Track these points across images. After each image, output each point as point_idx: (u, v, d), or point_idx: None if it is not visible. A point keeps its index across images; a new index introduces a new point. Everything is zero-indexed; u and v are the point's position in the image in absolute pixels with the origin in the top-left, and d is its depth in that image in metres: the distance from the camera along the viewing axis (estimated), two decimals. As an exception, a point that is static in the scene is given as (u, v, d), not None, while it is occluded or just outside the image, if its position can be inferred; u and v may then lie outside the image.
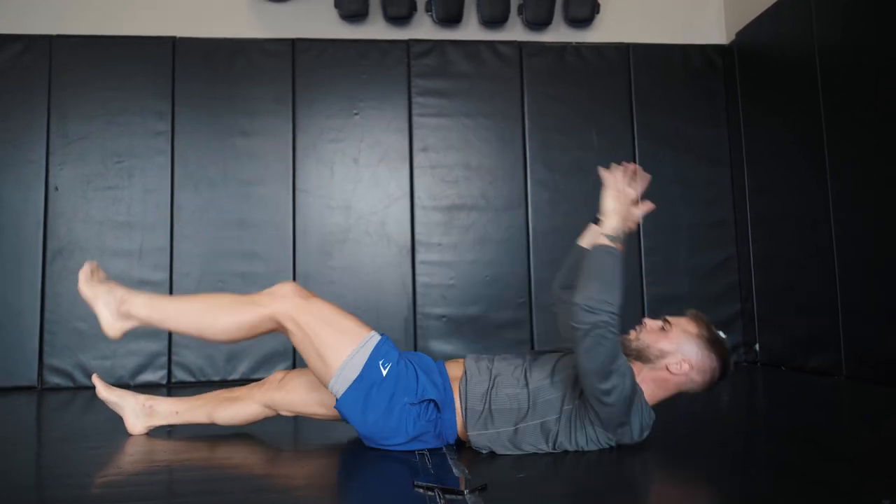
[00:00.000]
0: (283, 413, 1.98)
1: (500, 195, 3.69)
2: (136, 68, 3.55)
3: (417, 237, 3.62)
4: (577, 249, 1.99)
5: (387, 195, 3.64)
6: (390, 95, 3.68)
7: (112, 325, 1.82)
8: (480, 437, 1.70)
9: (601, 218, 1.76)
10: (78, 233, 3.46)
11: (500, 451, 1.70)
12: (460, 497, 1.36)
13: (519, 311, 3.64)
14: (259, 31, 3.72)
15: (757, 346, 3.66)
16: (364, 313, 3.49)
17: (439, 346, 3.56)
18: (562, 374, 1.72)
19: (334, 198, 3.62)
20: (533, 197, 3.70)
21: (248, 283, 3.50)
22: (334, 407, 1.74)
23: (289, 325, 1.71)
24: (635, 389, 1.63)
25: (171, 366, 3.46)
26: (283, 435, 2.10)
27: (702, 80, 3.87)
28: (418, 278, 3.61)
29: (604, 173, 1.80)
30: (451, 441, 1.76)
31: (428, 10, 3.74)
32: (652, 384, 1.71)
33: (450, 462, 1.64)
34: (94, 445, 1.98)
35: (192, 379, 3.46)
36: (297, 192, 3.60)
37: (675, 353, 1.69)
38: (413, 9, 3.71)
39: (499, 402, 1.70)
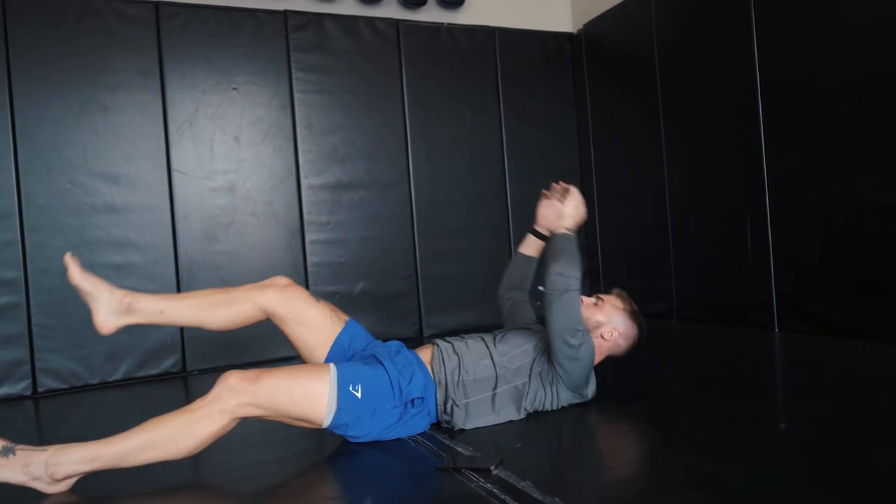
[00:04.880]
0: (274, 321, 1.87)
1: (385, 173, 3.69)
2: (-47, 27, 2.87)
3: (306, 217, 3.50)
4: (519, 257, 2.26)
5: (273, 175, 3.44)
6: (270, 70, 3.43)
7: (53, 490, 1.53)
8: (463, 409, 1.80)
9: (545, 224, 2.14)
10: None
11: (477, 421, 1.82)
12: (485, 473, 1.45)
13: (407, 283, 3.73)
14: (112, -10, 3.20)
15: (603, 299, 4.20)
16: (256, 297, 3.35)
17: (333, 323, 3.53)
18: (527, 344, 1.90)
19: (216, 179, 3.33)
20: (415, 173, 3.76)
21: (123, 274, 3.12)
22: (326, 429, 1.72)
23: (255, 414, 1.60)
24: (593, 350, 1.87)
25: (36, 374, 2.99)
26: (260, 450, 1.93)
27: (554, 65, 4.18)
28: (309, 258, 3.50)
29: (570, 188, 2.02)
30: (435, 419, 1.85)
31: (303, -20, 3.53)
32: None
33: (449, 443, 1.71)
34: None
35: (63, 386, 3.02)
36: (172, 173, 3.24)
37: (608, 324, 1.95)
38: (288, -22, 3.46)
39: (474, 373, 1.83)
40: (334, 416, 1.67)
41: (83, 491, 1.56)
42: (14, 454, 1.51)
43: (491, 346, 1.90)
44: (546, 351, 1.88)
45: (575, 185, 4.28)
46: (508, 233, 4.01)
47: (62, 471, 1.51)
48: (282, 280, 1.88)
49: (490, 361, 1.85)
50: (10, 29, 2.96)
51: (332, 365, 1.71)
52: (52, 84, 3.02)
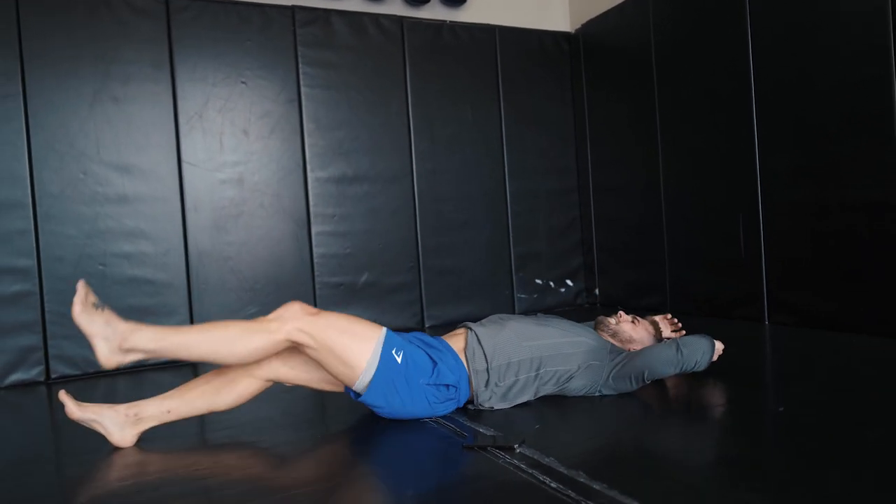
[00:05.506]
0: (285, 384, 1.96)
1: (388, 167, 3.78)
2: (-32, 17, 2.90)
3: (313, 209, 3.58)
4: None
5: (280, 167, 3.51)
6: (277, 64, 3.49)
7: (109, 358, 1.69)
8: (501, 390, 1.91)
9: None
10: None
11: (515, 400, 1.94)
12: (509, 451, 1.56)
13: (409, 275, 3.83)
14: (123, -17, 3.25)
15: (597, 291, 4.34)
16: (264, 286, 3.45)
17: (337, 312, 3.62)
18: (584, 337, 2.02)
19: (225, 171, 3.39)
20: (417, 168, 3.86)
21: (134, 263, 3.19)
22: (359, 400, 1.84)
23: (305, 342, 1.74)
24: None
25: (49, 360, 3.05)
26: (288, 431, 2.02)
27: (552, 63, 4.28)
28: (315, 249, 3.58)
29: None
30: (462, 404, 1.95)
31: (311, -23, 3.59)
32: None
33: (470, 424, 1.82)
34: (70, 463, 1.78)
35: (76, 372, 3.08)
36: (182, 165, 3.30)
37: (639, 342, 2.19)
38: (296, -26, 3.52)
39: (512, 355, 1.92)
40: (373, 375, 1.76)
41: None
42: (103, 310, 1.71)
43: (535, 327, 2.00)
44: (605, 354, 2.02)
45: (571, 181, 4.42)
46: (507, 227, 4.12)
47: (130, 341, 1.68)
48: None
49: (532, 344, 1.94)
50: (23, 19, 2.99)
51: (383, 328, 1.83)
52: (64, 74, 3.07)
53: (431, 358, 1.86)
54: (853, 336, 2.72)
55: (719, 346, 2.16)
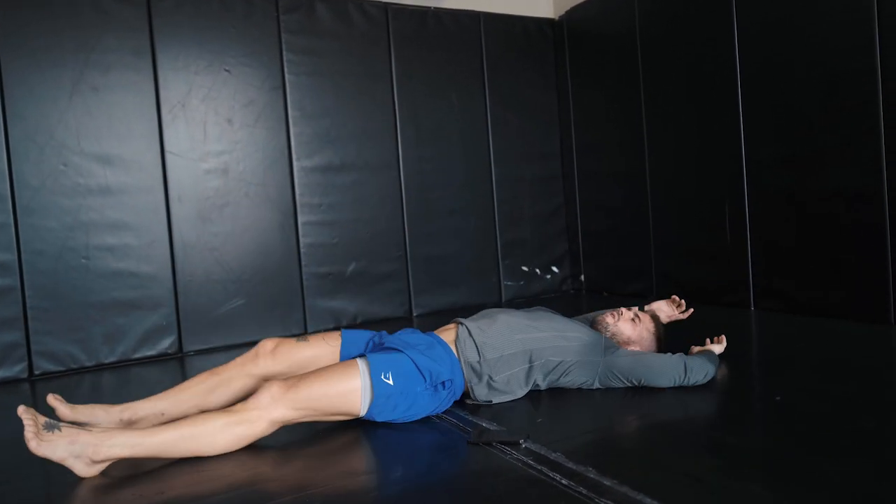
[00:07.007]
0: None
1: (375, 155, 3.74)
2: (-62, 2, 2.78)
3: (299, 199, 3.53)
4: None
5: (266, 156, 3.45)
6: (261, 52, 3.42)
7: (89, 472, 1.58)
8: (496, 384, 1.92)
9: (656, 308, 2.41)
10: None
11: (508, 396, 1.95)
12: (515, 446, 1.58)
13: (396, 264, 3.82)
14: (101, -33, 3.14)
15: (582, 277, 4.37)
16: (251, 277, 3.42)
17: (325, 302, 3.60)
18: (580, 333, 2.03)
19: (209, 160, 3.33)
20: (404, 156, 3.83)
21: (118, 256, 3.13)
22: (363, 417, 1.82)
23: (294, 418, 1.72)
24: None
25: (32, 356, 2.98)
26: (287, 430, 1.92)
27: (536, 50, 4.27)
28: (302, 239, 3.55)
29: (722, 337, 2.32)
30: (459, 397, 1.97)
31: (294, -39, 3.51)
32: None
33: (472, 419, 1.83)
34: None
35: (59, 368, 3.02)
36: (166, 155, 3.23)
37: (638, 343, 2.17)
38: (278, -41, 3.44)
39: (504, 348, 1.93)
40: (371, 405, 1.76)
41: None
42: (59, 430, 1.55)
43: (527, 321, 2.00)
44: (600, 350, 2.01)
45: (556, 167, 4.42)
46: (493, 214, 4.12)
47: (104, 452, 1.56)
48: (268, 344, 1.96)
49: (524, 336, 1.95)
50: (-2, 6, 2.89)
51: (358, 360, 1.80)
52: (42, 63, 2.97)
53: (414, 362, 1.83)
54: (837, 321, 2.78)
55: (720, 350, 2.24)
